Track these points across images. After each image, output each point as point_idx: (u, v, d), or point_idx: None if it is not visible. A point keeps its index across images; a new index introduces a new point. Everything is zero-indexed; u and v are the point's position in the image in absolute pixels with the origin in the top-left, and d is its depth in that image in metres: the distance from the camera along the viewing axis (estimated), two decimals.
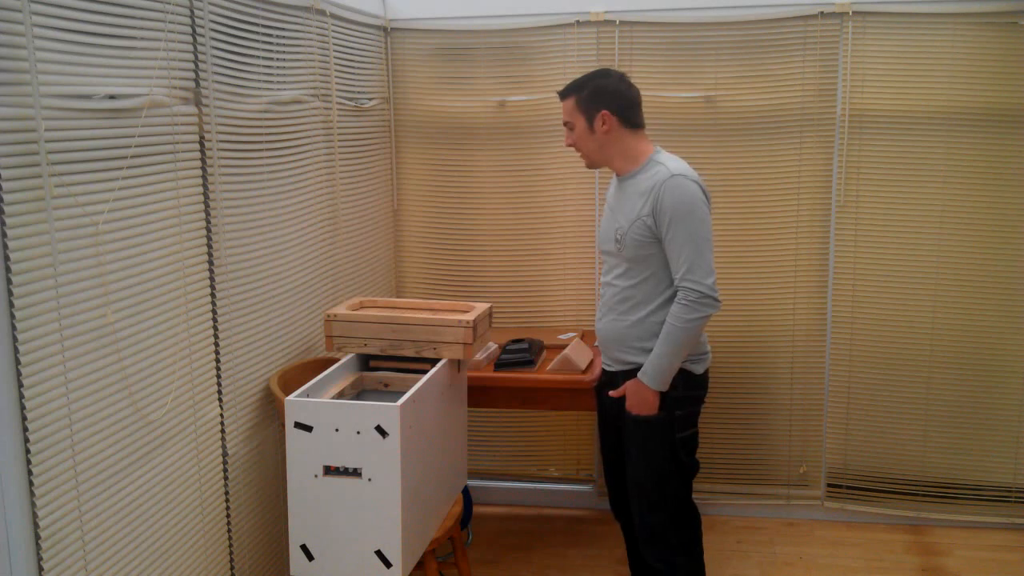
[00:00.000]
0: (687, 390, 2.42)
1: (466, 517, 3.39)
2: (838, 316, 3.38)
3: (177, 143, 2.08)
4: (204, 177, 2.20)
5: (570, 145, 2.49)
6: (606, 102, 2.39)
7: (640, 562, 2.72)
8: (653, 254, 2.36)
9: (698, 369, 2.44)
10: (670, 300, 2.38)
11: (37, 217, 1.64)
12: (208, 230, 2.23)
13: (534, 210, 3.51)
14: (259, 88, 2.47)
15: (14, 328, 1.60)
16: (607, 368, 2.54)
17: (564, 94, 2.45)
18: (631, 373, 2.42)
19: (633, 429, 2.44)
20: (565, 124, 2.47)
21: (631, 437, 2.45)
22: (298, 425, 2.14)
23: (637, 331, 2.41)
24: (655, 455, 2.43)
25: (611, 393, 2.48)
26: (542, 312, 3.58)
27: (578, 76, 2.45)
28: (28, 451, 1.64)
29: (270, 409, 2.58)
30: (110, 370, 1.86)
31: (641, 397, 2.38)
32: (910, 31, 3.17)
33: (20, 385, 1.62)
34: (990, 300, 3.29)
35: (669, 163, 2.37)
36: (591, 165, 2.51)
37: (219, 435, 2.30)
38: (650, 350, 2.38)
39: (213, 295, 2.26)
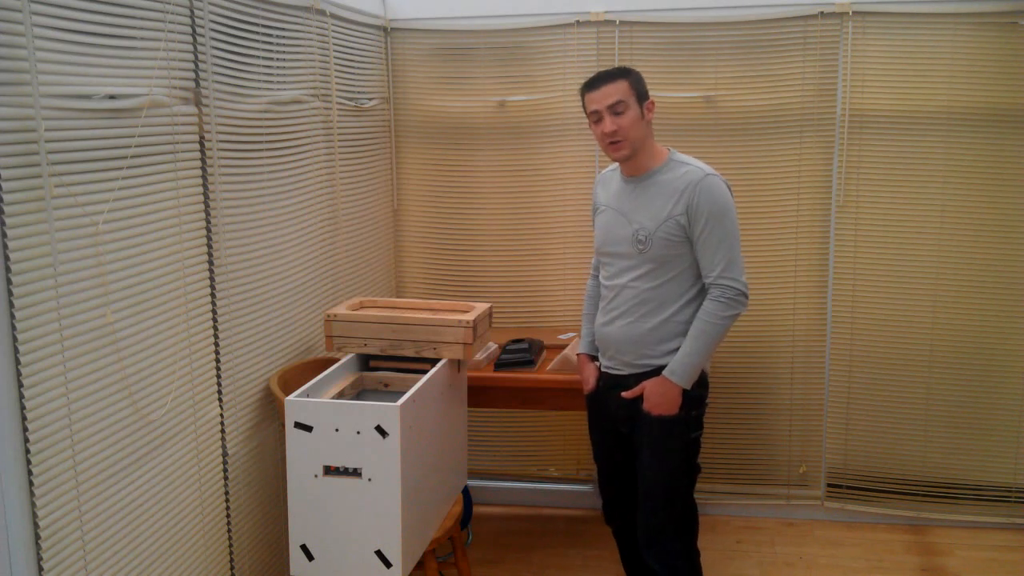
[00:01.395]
0: (702, 388, 2.44)
1: (466, 517, 3.39)
2: (838, 316, 3.38)
3: (177, 143, 2.08)
4: (204, 177, 2.20)
5: (612, 132, 2.33)
6: (647, 92, 2.41)
7: (637, 566, 2.71)
8: (681, 254, 2.36)
9: (707, 368, 2.45)
10: (693, 300, 2.39)
11: (37, 217, 1.65)
12: (208, 230, 2.23)
13: (534, 210, 3.51)
14: (259, 88, 2.47)
15: (14, 328, 1.60)
16: (614, 372, 2.50)
17: (612, 77, 2.35)
18: (647, 375, 2.40)
19: (651, 430, 2.41)
20: (611, 108, 2.33)
21: (648, 438, 2.42)
22: (298, 425, 2.14)
23: (660, 333, 2.39)
24: (671, 455, 2.42)
25: (625, 394, 2.44)
26: (542, 312, 3.58)
27: (603, 70, 2.40)
28: (28, 451, 1.64)
29: (270, 409, 2.58)
30: (110, 370, 1.86)
31: (666, 396, 2.36)
32: (910, 31, 3.17)
33: (20, 385, 1.62)
34: (990, 300, 3.29)
35: (698, 163, 2.39)
36: (629, 155, 2.38)
37: (219, 435, 2.30)
38: (672, 351, 2.37)
39: (213, 295, 2.26)
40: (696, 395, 2.41)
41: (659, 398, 2.37)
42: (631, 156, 2.39)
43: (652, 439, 2.42)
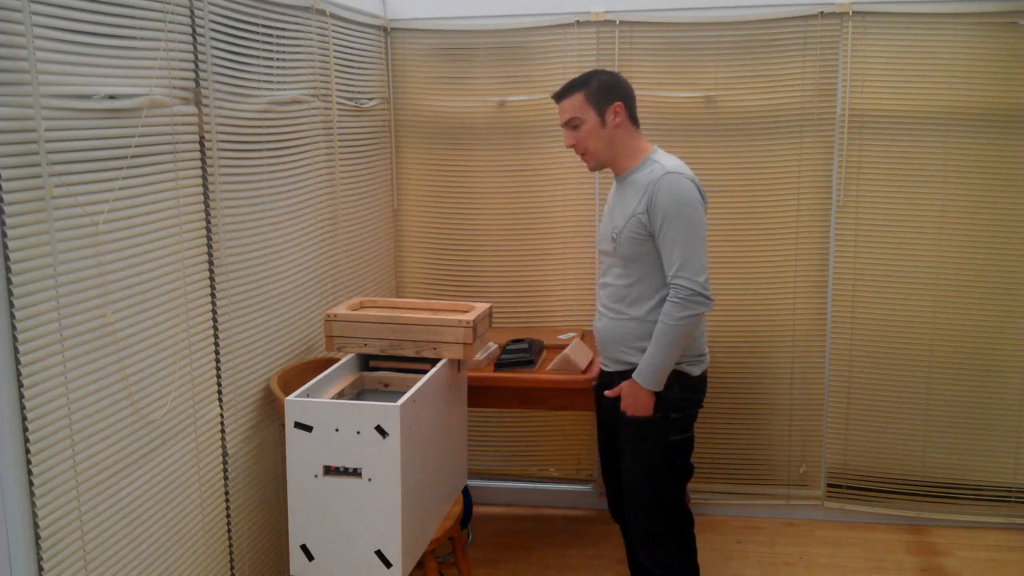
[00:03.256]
0: (683, 392, 2.42)
1: (466, 517, 3.38)
2: (838, 316, 3.38)
3: (177, 143, 2.08)
4: (204, 177, 2.20)
5: (571, 146, 2.44)
6: (617, 94, 2.39)
7: (640, 564, 2.72)
8: (647, 252, 2.36)
9: (695, 371, 2.43)
10: (665, 299, 2.38)
11: (37, 217, 1.65)
12: (208, 230, 2.23)
13: (534, 210, 3.51)
14: (259, 88, 2.47)
15: (14, 328, 1.60)
16: (605, 368, 2.53)
17: (567, 91, 2.40)
18: (627, 373, 2.41)
19: (627, 430, 2.43)
20: (567, 124, 2.41)
21: (626, 438, 2.45)
22: (298, 425, 2.14)
23: (636, 330, 2.40)
24: (648, 456, 2.42)
25: (607, 393, 2.47)
26: (542, 312, 3.58)
27: (572, 77, 2.43)
28: (28, 451, 1.64)
29: (270, 409, 2.58)
30: (110, 370, 1.86)
31: (635, 398, 2.37)
32: (910, 31, 3.17)
33: (20, 385, 1.62)
34: (990, 300, 3.29)
35: (665, 161, 2.37)
36: (596, 166, 2.46)
37: (219, 435, 2.30)
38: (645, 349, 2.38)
39: (213, 295, 2.26)
40: (675, 397, 2.40)
41: (631, 399, 2.39)
42: (598, 166, 2.46)
43: (629, 439, 2.45)
